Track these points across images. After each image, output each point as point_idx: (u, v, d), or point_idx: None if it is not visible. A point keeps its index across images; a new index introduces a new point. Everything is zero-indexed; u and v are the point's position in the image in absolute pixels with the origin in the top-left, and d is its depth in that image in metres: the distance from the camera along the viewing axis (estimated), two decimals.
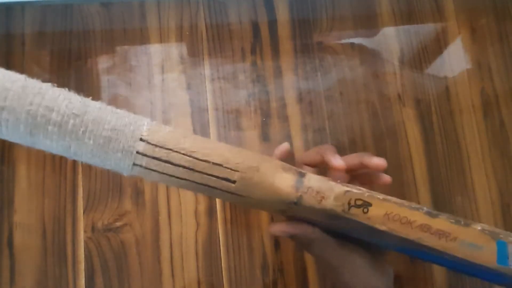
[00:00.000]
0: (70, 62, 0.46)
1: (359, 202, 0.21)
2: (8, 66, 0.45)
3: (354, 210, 0.21)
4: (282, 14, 0.49)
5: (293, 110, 0.47)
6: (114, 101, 0.45)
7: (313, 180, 0.23)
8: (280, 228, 0.27)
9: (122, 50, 0.47)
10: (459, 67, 0.50)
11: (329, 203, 0.21)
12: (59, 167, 0.43)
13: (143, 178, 0.24)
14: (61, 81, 0.45)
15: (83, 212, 0.42)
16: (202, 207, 0.43)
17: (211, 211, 0.43)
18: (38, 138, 0.22)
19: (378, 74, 0.49)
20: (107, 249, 0.42)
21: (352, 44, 0.49)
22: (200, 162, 0.22)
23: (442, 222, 0.22)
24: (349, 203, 0.21)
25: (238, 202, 0.24)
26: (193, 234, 0.43)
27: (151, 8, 0.48)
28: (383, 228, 0.21)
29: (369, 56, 0.49)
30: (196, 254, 0.42)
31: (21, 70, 0.45)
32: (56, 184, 0.43)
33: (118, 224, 0.42)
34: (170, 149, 0.22)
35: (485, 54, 0.51)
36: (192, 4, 0.48)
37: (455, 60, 0.50)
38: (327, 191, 0.22)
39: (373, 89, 0.48)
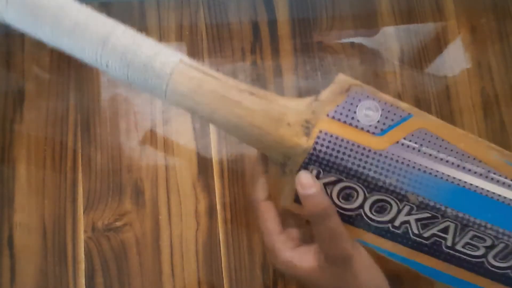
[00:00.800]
0: (69, 62, 0.46)
1: (362, 84, 0.24)
2: (8, 66, 0.45)
3: (363, 86, 0.24)
4: (282, 13, 0.49)
5: None
6: (113, 101, 0.45)
7: None
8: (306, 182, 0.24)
9: None
10: (459, 67, 0.50)
11: (341, 78, 0.24)
12: (59, 167, 0.43)
13: (175, 95, 0.25)
14: (60, 81, 0.45)
15: (83, 212, 0.42)
16: (202, 207, 0.43)
17: (211, 211, 0.43)
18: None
19: (378, 74, 0.49)
20: (107, 249, 0.42)
21: (352, 43, 0.49)
22: (229, 79, 0.25)
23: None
24: (358, 84, 0.24)
25: (260, 121, 0.24)
26: (193, 234, 0.43)
27: (150, 7, 0.48)
28: (396, 104, 0.23)
29: (369, 56, 0.49)
30: (197, 254, 0.42)
31: (21, 70, 0.45)
32: (56, 183, 0.43)
33: (118, 224, 0.42)
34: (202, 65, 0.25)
35: (485, 53, 0.51)
36: (192, 3, 0.48)
37: (455, 59, 0.50)
38: (335, 80, 0.24)
39: None
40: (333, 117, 0.23)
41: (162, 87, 0.25)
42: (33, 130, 0.44)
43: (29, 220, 0.42)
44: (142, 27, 0.47)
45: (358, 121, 0.23)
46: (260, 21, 0.49)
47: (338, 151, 0.23)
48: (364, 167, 0.23)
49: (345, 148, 0.23)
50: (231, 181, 0.44)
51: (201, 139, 0.45)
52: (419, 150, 0.23)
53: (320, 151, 0.23)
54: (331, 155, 0.23)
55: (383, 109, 0.23)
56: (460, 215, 0.23)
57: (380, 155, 0.23)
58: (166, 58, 0.25)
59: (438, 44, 0.51)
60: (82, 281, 0.41)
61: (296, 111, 0.23)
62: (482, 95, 0.50)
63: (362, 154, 0.23)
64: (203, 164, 0.44)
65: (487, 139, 0.48)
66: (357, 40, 0.50)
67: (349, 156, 0.23)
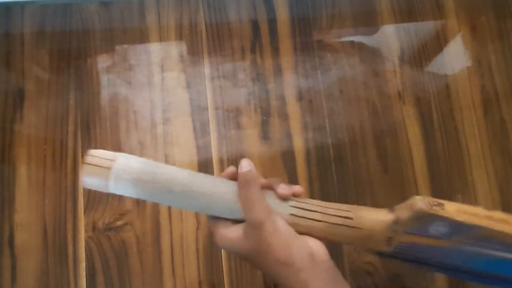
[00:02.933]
0: (69, 62, 0.46)
1: (435, 203, 0.29)
2: (8, 66, 0.45)
3: (435, 208, 0.29)
4: (282, 12, 0.49)
5: (293, 109, 0.47)
6: (114, 100, 0.45)
7: (399, 205, 0.30)
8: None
9: (122, 49, 0.47)
10: (459, 65, 0.50)
11: (417, 205, 0.29)
12: (60, 167, 0.43)
13: (294, 228, 0.31)
14: (60, 80, 0.45)
15: (84, 212, 0.42)
16: None
17: None
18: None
19: (378, 72, 0.49)
20: (108, 248, 0.42)
21: (352, 42, 0.49)
22: (327, 208, 0.31)
23: (498, 213, 0.29)
24: (430, 203, 0.29)
25: (357, 239, 0.31)
26: (194, 233, 0.43)
27: (150, 7, 0.48)
28: (459, 218, 0.28)
29: (369, 54, 0.49)
30: (197, 253, 0.42)
31: (21, 70, 0.45)
32: (56, 183, 0.43)
33: (118, 223, 0.42)
34: (307, 203, 0.32)
35: (485, 51, 0.51)
36: (191, 2, 0.48)
37: (455, 57, 0.50)
38: (412, 200, 0.29)
39: (373, 87, 0.48)
40: (410, 233, 0.30)
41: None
42: (33, 130, 0.44)
43: (29, 220, 0.42)
44: (142, 26, 0.47)
45: (430, 233, 0.30)
46: (260, 20, 0.49)
47: (413, 250, 0.31)
48: (433, 256, 0.32)
49: (419, 247, 0.31)
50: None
51: (201, 139, 0.45)
52: (472, 245, 0.31)
53: (398, 252, 0.31)
54: (407, 253, 0.32)
55: (450, 225, 0.29)
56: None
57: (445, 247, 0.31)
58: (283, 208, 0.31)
59: (438, 42, 0.50)
60: (83, 280, 0.41)
61: (380, 232, 0.30)
62: (482, 93, 0.50)
63: (432, 249, 0.31)
64: (204, 163, 0.44)
65: (487, 137, 0.49)
66: (357, 38, 0.50)
67: (421, 251, 0.31)
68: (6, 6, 0.46)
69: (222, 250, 0.43)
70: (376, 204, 0.45)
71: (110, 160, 0.30)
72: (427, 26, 0.51)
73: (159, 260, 0.42)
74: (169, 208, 0.43)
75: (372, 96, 0.48)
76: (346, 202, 0.45)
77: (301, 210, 0.31)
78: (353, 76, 0.48)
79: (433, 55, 0.50)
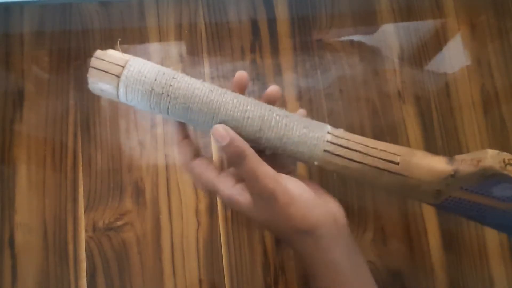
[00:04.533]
0: (69, 62, 0.46)
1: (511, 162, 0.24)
2: (8, 66, 0.45)
3: (510, 169, 0.24)
4: (281, 12, 0.49)
5: (293, 108, 0.47)
6: (113, 101, 0.45)
7: (462, 156, 0.26)
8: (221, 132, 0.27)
9: (122, 49, 0.46)
10: (459, 64, 0.50)
11: (487, 162, 0.24)
12: (60, 167, 0.43)
13: (325, 166, 0.29)
14: (60, 81, 0.45)
15: (84, 212, 0.42)
16: (203, 205, 0.43)
17: (212, 210, 0.43)
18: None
19: (377, 71, 0.49)
20: (108, 248, 0.42)
21: (351, 41, 0.49)
22: (371, 148, 0.28)
23: None
24: (504, 161, 0.24)
25: (399, 186, 0.27)
26: (194, 233, 0.43)
27: (150, 6, 0.48)
28: None
29: (369, 53, 0.49)
30: (198, 252, 0.42)
31: (21, 70, 0.45)
32: (56, 183, 0.43)
33: (119, 223, 0.42)
34: (348, 139, 0.28)
35: (485, 50, 0.51)
36: (191, 2, 0.48)
37: (455, 56, 0.50)
38: (481, 154, 0.24)
39: (373, 87, 0.48)
40: (467, 189, 0.26)
41: (312, 162, 0.29)
42: (33, 130, 0.44)
43: (30, 220, 0.42)
44: (141, 26, 0.47)
45: (492, 193, 0.25)
46: (260, 19, 0.49)
47: (462, 207, 0.27)
48: (483, 215, 0.28)
49: (470, 205, 0.27)
50: None
51: (201, 138, 0.45)
52: None
53: (443, 206, 0.28)
54: (452, 208, 0.28)
55: None
56: None
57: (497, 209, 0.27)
58: (316, 141, 0.28)
59: (438, 41, 0.50)
60: (83, 280, 0.41)
61: (429, 184, 0.27)
62: (482, 92, 0.50)
63: (485, 208, 0.27)
64: None
65: (487, 136, 0.49)
66: (356, 38, 0.49)
67: (470, 209, 0.27)
68: (5, 6, 0.46)
69: (223, 250, 0.43)
70: (376, 203, 0.45)
71: (120, 66, 0.27)
72: (427, 25, 0.51)
73: (159, 259, 0.42)
74: (170, 207, 0.43)
75: (372, 95, 0.48)
76: (346, 201, 0.45)
77: (339, 147, 0.28)
78: (353, 76, 0.48)
79: (432, 54, 0.50)
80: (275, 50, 0.48)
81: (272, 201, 0.26)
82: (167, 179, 0.44)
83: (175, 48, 0.47)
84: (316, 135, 0.28)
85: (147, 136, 0.45)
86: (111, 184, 0.43)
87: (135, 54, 0.47)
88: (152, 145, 0.44)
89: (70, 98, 0.45)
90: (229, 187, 0.29)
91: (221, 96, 0.28)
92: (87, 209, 0.42)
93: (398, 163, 0.27)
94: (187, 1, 0.48)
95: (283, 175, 0.28)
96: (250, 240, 0.43)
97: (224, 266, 0.42)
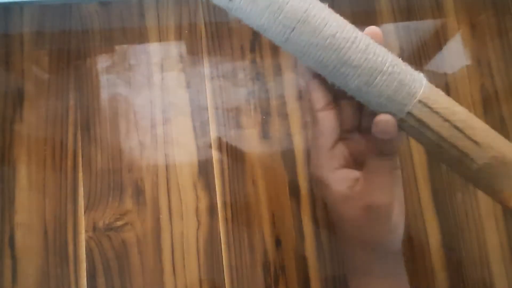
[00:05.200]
0: (69, 62, 0.46)
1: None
2: (7, 66, 0.45)
3: None
4: None
5: (293, 108, 0.47)
6: (113, 100, 0.45)
7: None
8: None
9: (121, 49, 0.47)
10: (458, 63, 0.50)
11: None
12: (60, 167, 0.43)
13: (407, 131, 0.26)
14: (60, 81, 0.45)
15: (84, 212, 0.42)
16: (203, 205, 0.43)
17: (212, 210, 0.43)
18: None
19: None
20: (109, 249, 0.42)
21: None
22: (458, 120, 0.26)
23: None
24: None
25: (474, 171, 0.25)
26: (194, 233, 0.43)
27: (149, 6, 0.48)
28: None
29: None
30: (198, 252, 0.42)
31: (20, 70, 0.45)
32: (56, 183, 0.43)
33: (119, 223, 0.42)
34: (439, 104, 0.25)
35: (485, 50, 0.51)
36: (191, 2, 0.48)
37: (455, 56, 0.50)
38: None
39: None
40: None
41: (409, 102, 0.25)
42: (33, 130, 0.44)
43: (30, 221, 0.42)
44: (141, 26, 0.47)
45: None
46: None
47: None
48: None
49: None
50: (232, 180, 0.44)
51: (201, 138, 0.45)
52: None
53: None
54: None
55: None
56: None
57: None
58: (416, 76, 0.26)
59: (438, 41, 0.50)
60: (83, 281, 0.41)
61: None
62: (482, 91, 0.50)
63: None
64: (204, 163, 0.44)
65: None
66: None
67: None
68: (5, 6, 0.46)
69: (223, 249, 0.43)
70: None
71: None
72: (427, 25, 0.51)
73: (159, 259, 0.42)
74: (170, 207, 0.43)
75: None
76: None
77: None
78: None
79: (432, 53, 0.50)
80: (275, 50, 0.48)
81: (387, 214, 0.24)
82: (167, 179, 0.44)
83: (175, 48, 0.47)
84: (409, 91, 0.25)
85: (147, 136, 0.45)
86: (111, 184, 0.43)
87: (134, 54, 0.47)
88: (152, 145, 0.44)
89: (70, 98, 0.45)
90: (330, 169, 0.26)
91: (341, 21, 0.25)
92: (87, 209, 0.42)
93: (477, 143, 0.25)
94: (186, 1, 0.48)
95: (398, 191, 0.26)
96: (250, 240, 0.43)
97: (224, 266, 0.42)
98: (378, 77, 0.25)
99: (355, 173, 0.26)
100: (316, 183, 0.27)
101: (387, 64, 0.25)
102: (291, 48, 0.25)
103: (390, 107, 0.25)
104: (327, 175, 0.26)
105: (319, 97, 0.27)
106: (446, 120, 0.25)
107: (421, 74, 0.27)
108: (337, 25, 0.24)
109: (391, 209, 0.24)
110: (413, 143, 0.47)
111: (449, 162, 0.27)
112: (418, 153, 0.47)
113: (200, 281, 0.42)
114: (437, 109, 0.25)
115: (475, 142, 0.26)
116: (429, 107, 0.25)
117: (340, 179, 0.26)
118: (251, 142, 0.45)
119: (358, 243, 0.26)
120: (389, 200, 0.25)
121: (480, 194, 0.47)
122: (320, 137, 0.26)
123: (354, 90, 0.25)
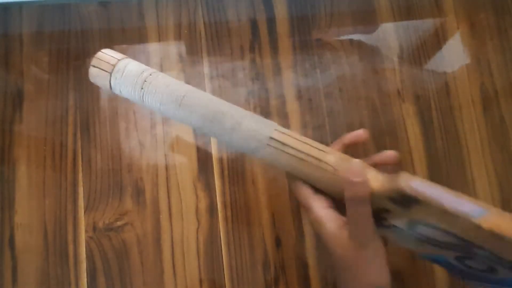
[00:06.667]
0: (68, 62, 0.46)
1: None
2: (7, 67, 0.45)
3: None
4: (281, 11, 0.49)
5: (293, 107, 0.47)
6: (113, 100, 0.45)
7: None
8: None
9: (121, 49, 0.47)
10: (458, 62, 0.50)
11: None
12: (59, 167, 0.43)
13: (267, 160, 0.32)
14: (59, 81, 0.45)
15: (84, 212, 0.42)
16: (203, 205, 0.43)
17: (212, 210, 0.43)
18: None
19: (377, 70, 0.49)
20: (109, 249, 0.42)
21: (351, 40, 0.49)
22: (305, 145, 0.31)
23: None
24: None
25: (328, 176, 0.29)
26: (194, 233, 0.43)
27: (149, 7, 0.48)
28: None
29: (368, 52, 0.49)
30: (198, 252, 0.42)
31: (20, 71, 0.45)
32: (56, 184, 0.43)
33: (119, 223, 0.42)
34: (290, 136, 0.32)
35: (484, 49, 0.51)
36: (190, 2, 0.48)
37: (454, 55, 0.50)
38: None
39: (373, 86, 0.48)
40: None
41: (256, 155, 0.32)
42: (33, 130, 0.44)
43: (30, 221, 0.42)
44: (141, 26, 0.47)
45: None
46: (259, 19, 0.49)
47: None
48: None
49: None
50: (231, 180, 0.44)
51: (201, 138, 0.45)
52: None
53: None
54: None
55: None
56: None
57: None
58: (262, 137, 0.31)
59: (437, 40, 0.50)
60: (84, 280, 0.41)
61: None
62: (482, 90, 0.50)
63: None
64: (204, 163, 0.44)
65: (486, 134, 0.49)
66: (356, 37, 0.49)
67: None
68: (4, 6, 0.46)
69: (223, 250, 0.43)
70: None
71: (111, 64, 0.33)
72: (426, 24, 0.51)
73: (159, 259, 0.42)
74: (170, 207, 0.43)
75: (371, 94, 0.48)
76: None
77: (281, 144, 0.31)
78: (352, 75, 0.48)
79: (432, 53, 0.50)
80: (274, 50, 0.48)
81: (364, 251, 0.27)
82: (167, 179, 0.44)
83: (174, 48, 0.47)
84: (263, 133, 0.31)
85: (147, 136, 0.45)
86: (111, 184, 0.43)
87: (134, 54, 0.47)
88: (152, 145, 0.44)
89: (70, 98, 0.45)
90: (322, 208, 0.29)
91: (188, 88, 0.33)
92: (87, 209, 0.42)
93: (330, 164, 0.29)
94: (186, 1, 0.48)
95: (379, 237, 0.28)
96: (250, 239, 0.43)
97: (224, 266, 0.42)
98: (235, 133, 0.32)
99: (341, 217, 0.29)
100: (313, 225, 0.30)
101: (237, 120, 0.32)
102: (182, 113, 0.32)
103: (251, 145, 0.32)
104: (321, 215, 0.29)
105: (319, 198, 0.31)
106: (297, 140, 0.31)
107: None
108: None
109: (366, 249, 0.27)
110: (413, 141, 0.47)
111: (309, 170, 0.31)
112: (417, 151, 0.47)
113: (200, 280, 0.42)
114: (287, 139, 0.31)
115: (321, 150, 0.31)
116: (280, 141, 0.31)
117: (332, 218, 0.29)
118: None
119: (351, 283, 0.28)
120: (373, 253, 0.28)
121: (480, 193, 0.47)
122: (303, 188, 0.32)
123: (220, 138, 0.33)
